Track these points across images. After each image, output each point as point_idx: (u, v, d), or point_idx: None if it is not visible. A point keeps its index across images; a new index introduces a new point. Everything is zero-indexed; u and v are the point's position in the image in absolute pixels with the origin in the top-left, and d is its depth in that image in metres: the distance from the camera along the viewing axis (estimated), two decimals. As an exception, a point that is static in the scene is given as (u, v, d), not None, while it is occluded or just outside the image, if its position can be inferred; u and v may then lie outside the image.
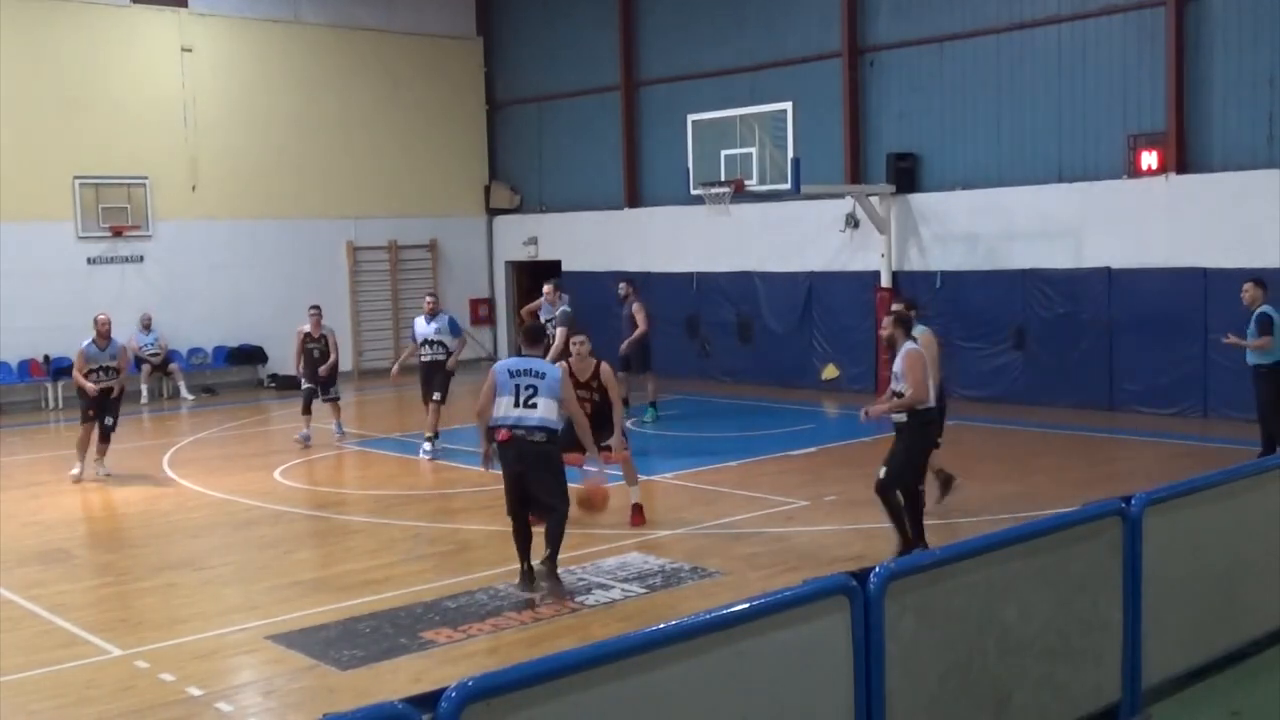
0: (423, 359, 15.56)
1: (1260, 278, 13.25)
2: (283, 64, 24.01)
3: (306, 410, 16.31)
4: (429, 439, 15.06)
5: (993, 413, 17.14)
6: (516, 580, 9.07)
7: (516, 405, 8.79)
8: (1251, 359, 12.72)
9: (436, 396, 15.12)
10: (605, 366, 10.97)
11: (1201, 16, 16.44)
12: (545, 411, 8.78)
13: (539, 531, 9.02)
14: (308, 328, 16.30)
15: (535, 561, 8.97)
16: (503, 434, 8.81)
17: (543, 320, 15.86)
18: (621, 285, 18.17)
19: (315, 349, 16.22)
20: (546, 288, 17.22)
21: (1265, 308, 12.76)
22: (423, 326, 15.64)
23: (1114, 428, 15.94)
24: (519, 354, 9.35)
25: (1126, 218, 17.11)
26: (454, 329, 15.62)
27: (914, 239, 19.53)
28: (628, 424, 17.01)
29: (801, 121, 18.00)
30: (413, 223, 25.61)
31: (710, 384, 21.46)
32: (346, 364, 22.17)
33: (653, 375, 17.52)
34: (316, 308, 16.50)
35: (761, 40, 21.57)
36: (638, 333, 17.12)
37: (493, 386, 8.88)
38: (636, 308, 17.29)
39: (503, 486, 9.01)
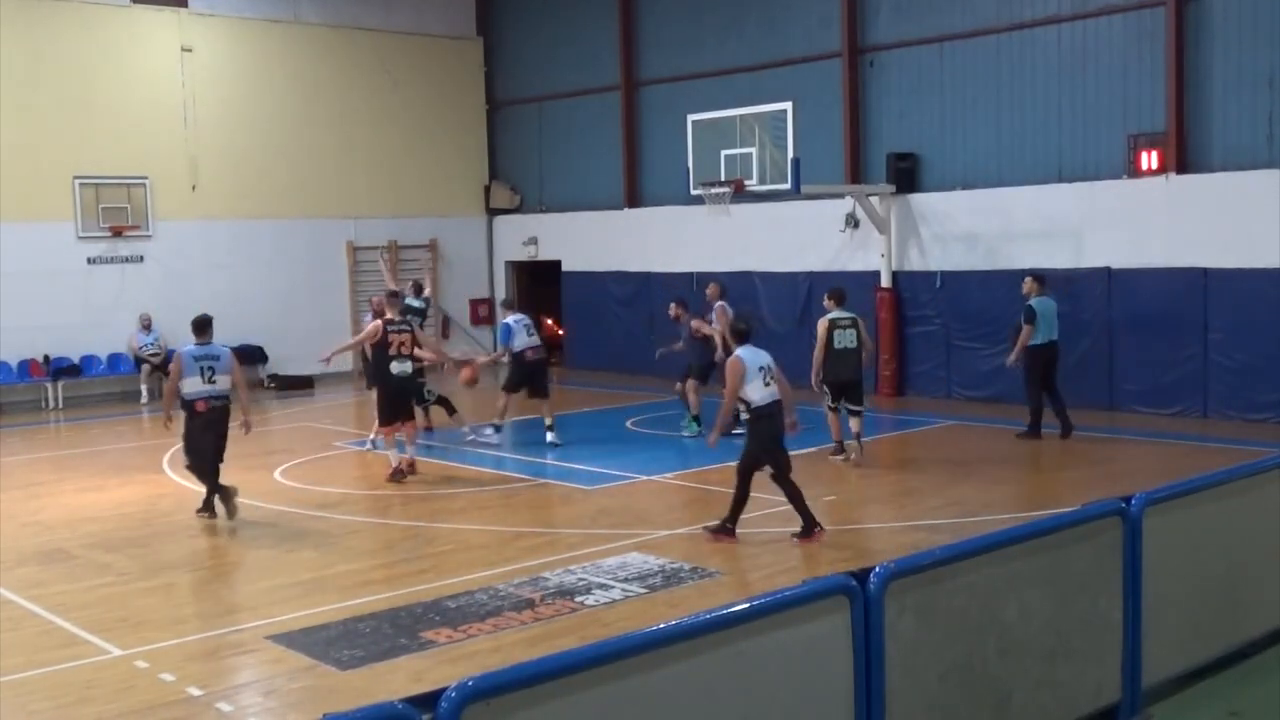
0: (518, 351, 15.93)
1: (1038, 274, 15.50)
2: (283, 64, 24.00)
3: None
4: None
5: (993, 413, 17.13)
6: (200, 508, 11.84)
7: (204, 382, 11.50)
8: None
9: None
10: None
11: (1201, 16, 16.44)
12: (223, 384, 11.65)
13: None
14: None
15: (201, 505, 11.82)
16: (201, 405, 11.53)
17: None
18: (672, 307, 16.76)
19: None
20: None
21: (1033, 300, 14.89)
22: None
23: (1114, 428, 15.93)
24: (198, 344, 11.78)
25: (1126, 218, 17.10)
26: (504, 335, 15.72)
27: (914, 239, 19.53)
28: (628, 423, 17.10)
29: (801, 121, 17.98)
30: (413, 223, 25.61)
31: (710, 384, 21.41)
32: (346, 363, 22.19)
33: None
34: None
35: (761, 40, 21.57)
36: (719, 345, 15.85)
37: (180, 369, 11.56)
38: (696, 324, 16.17)
39: (186, 445, 11.77)
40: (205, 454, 11.66)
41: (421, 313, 16.86)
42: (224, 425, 11.74)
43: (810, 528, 10.22)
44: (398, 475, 13.41)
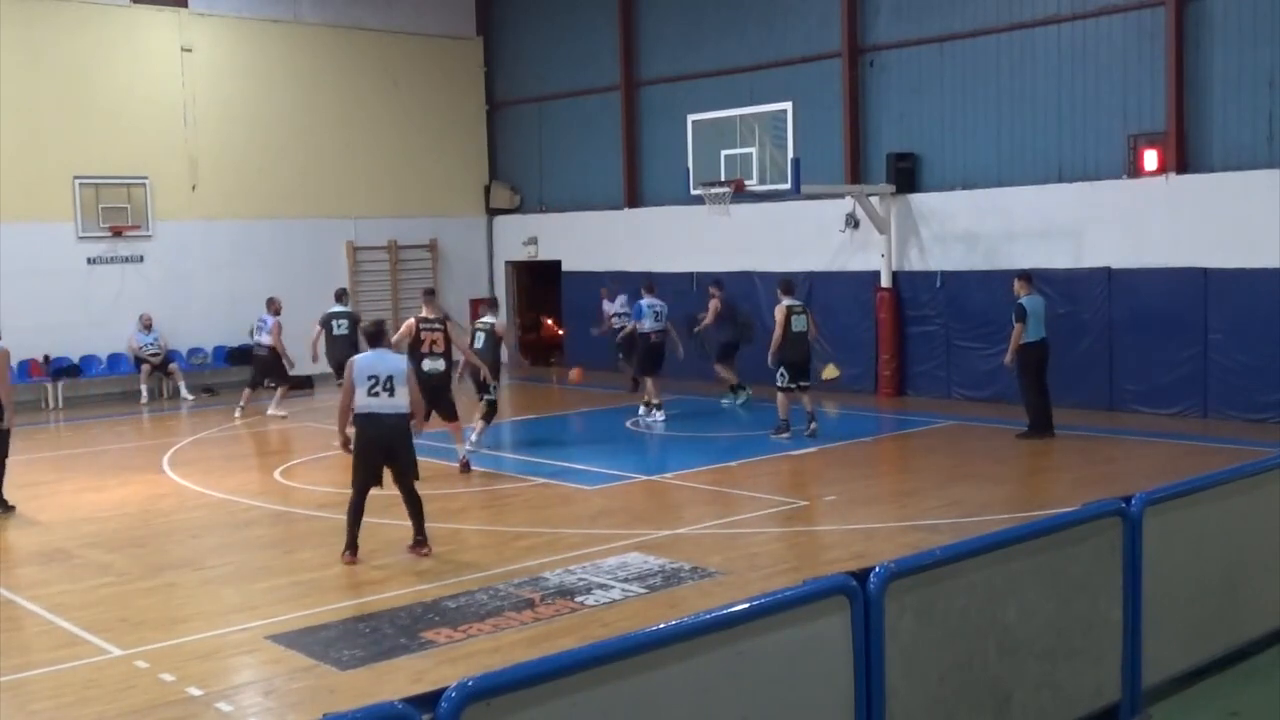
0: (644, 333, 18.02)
1: (1026, 273, 15.68)
2: (283, 64, 24.00)
3: None
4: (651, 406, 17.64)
5: (993, 413, 17.13)
6: None
7: None
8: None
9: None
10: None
11: (1201, 16, 16.44)
12: None
13: None
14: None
15: None
16: None
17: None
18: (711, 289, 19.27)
19: None
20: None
21: (1023, 299, 15.14)
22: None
23: (1114, 428, 15.93)
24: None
25: (1126, 218, 17.10)
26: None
27: (914, 239, 19.53)
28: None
29: (801, 121, 17.98)
30: (413, 223, 25.61)
31: (710, 384, 21.43)
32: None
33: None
34: None
35: (761, 40, 21.56)
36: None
37: None
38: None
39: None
40: None
41: (349, 316, 17.94)
42: None
43: (419, 544, 10.16)
44: (465, 467, 13.91)
